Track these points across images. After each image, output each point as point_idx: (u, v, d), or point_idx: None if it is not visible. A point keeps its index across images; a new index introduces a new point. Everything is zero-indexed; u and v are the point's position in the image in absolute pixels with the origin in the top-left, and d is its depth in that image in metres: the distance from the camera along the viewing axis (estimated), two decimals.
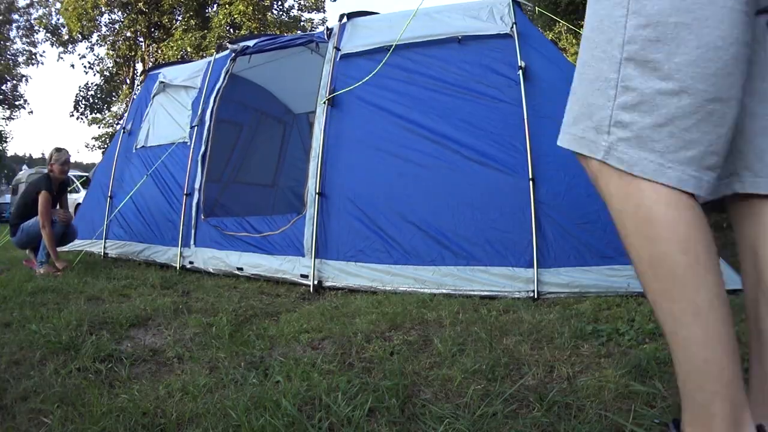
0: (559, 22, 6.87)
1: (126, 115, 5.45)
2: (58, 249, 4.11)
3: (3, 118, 27.38)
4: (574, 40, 14.11)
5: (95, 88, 23.14)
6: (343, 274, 3.10)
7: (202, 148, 4.08)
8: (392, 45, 3.28)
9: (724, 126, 0.75)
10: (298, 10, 21.40)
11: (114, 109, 22.84)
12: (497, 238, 2.79)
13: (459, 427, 1.18)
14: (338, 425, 1.24)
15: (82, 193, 11.69)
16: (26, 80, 32.12)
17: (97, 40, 21.76)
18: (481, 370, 1.62)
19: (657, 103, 0.75)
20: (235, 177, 5.25)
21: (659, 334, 1.92)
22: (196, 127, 4.16)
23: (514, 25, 3.02)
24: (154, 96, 4.77)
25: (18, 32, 25.40)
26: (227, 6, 17.79)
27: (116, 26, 20.85)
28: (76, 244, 5.17)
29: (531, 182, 2.73)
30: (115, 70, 22.29)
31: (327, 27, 3.71)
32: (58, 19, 22.50)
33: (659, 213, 0.75)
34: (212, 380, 1.60)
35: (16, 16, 24.99)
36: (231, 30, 18.04)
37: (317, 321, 2.30)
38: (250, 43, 4.13)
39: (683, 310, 0.74)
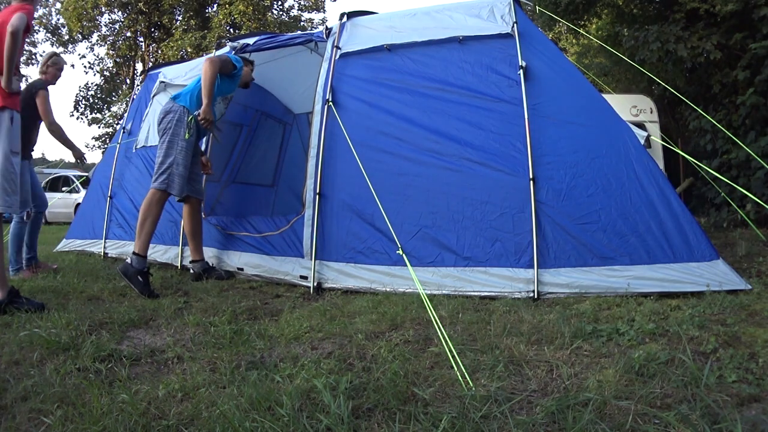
0: (560, 21, 6.87)
1: (126, 115, 5.44)
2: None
3: None
4: (574, 40, 14.10)
5: (95, 88, 23.12)
6: (342, 275, 3.09)
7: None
8: (392, 44, 3.27)
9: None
10: (298, 10, 21.39)
11: (114, 109, 22.80)
12: (497, 238, 2.79)
13: (459, 427, 1.18)
14: (338, 425, 1.24)
15: (82, 193, 11.70)
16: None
17: (97, 40, 21.75)
18: (482, 370, 1.62)
19: None
20: (235, 177, 5.24)
21: (659, 334, 1.93)
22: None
23: (515, 25, 3.01)
24: (154, 96, 4.76)
25: None
26: (227, 6, 17.77)
27: (116, 26, 20.83)
28: (77, 244, 5.17)
29: (531, 182, 2.72)
30: (115, 70, 22.28)
31: (326, 26, 3.69)
32: (58, 19, 22.49)
33: None
34: (212, 380, 1.60)
35: None
36: (231, 30, 18.03)
37: (317, 321, 2.30)
38: (250, 41, 4.12)
39: None
